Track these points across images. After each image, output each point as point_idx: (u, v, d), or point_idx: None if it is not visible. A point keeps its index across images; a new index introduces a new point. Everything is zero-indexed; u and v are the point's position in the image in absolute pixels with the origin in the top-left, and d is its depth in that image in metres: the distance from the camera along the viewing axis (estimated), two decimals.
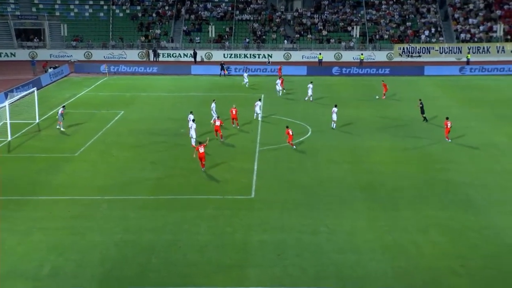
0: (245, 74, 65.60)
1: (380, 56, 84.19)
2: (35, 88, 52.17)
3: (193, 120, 42.02)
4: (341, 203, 31.93)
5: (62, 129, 45.41)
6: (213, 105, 47.75)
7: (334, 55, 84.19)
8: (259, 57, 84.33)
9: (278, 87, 60.30)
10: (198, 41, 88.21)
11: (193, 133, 41.39)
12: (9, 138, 43.12)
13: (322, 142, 42.93)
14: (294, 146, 41.25)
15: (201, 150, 36.27)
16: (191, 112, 44.49)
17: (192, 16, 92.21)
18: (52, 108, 53.26)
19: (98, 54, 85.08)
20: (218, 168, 37.49)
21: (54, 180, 35.37)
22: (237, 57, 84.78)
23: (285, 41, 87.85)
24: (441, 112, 50.96)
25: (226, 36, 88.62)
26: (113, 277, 24.27)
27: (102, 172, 36.95)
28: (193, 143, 40.51)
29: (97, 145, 42.67)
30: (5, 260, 25.31)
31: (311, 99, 56.18)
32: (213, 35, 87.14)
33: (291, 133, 41.14)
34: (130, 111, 51.82)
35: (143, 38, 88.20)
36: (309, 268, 24.98)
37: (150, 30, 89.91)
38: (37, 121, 48.26)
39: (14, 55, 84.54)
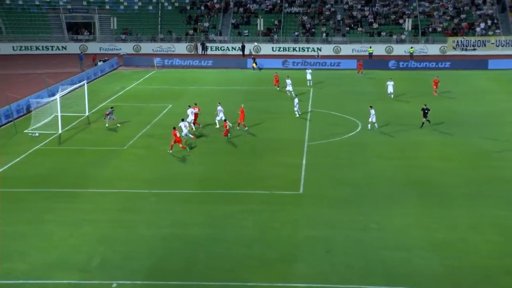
0: (308, 71, 62.37)
1: (433, 49, 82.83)
2: (85, 81, 53.23)
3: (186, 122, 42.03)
4: (391, 199, 31.66)
5: (106, 125, 45.87)
6: (220, 107, 46.42)
7: (385, 49, 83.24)
8: (308, 51, 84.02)
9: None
10: (247, 34, 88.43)
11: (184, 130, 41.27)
12: (60, 131, 44.16)
13: (371, 138, 42.60)
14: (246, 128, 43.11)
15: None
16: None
17: (241, 9, 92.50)
18: (102, 102, 54.28)
19: (147, 47, 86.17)
20: (266, 162, 37.60)
21: (102, 173, 36.10)
22: (286, 50, 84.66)
23: (335, 34, 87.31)
24: (496, 106, 49.90)
25: (274, 29, 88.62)
26: (159, 270, 24.67)
27: (150, 165, 37.51)
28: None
29: (145, 138, 43.31)
30: (56, 251, 26.00)
31: (391, 96, 54.92)
32: (262, 28, 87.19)
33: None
34: (178, 105, 52.40)
35: (191, 31, 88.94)
36: (356, 265, 24.88)
37: (199, 23, 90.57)
38: (87, 114, 49.23)
39: (65, 48, 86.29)
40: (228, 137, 41.76)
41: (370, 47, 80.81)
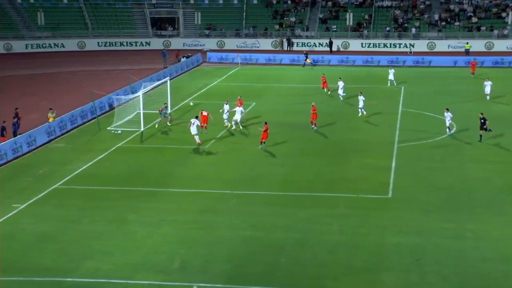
0: (391, 70, 60.68)
1: None
2: (168, 78, 54.33)
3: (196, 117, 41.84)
4: (488, 206, 30.74)
5: (156, 126, 46.33)
6: (226, 106, 46.05)
7: (485, 45, 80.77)
8: (399, 47, 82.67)
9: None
10: (335, 29, 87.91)
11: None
12: (142, 129, 45.30)
13: (467, 140, 41.46)
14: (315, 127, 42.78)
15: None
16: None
17: (329, 3, 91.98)
18: (184, 99, 55.29)
19: (231, 43, 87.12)
20: (352, 164, 37.28)
21: (183, 172, 36.78)
22: (376, 46, 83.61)
23: (429, 29, 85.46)
24: None
25: (364, 24, 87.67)
26: (240, 274, 24.89)
27: (231, 165, 37.93)
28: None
29: (226, 137, 43.80)
30: (137, 252, 26.69)
31: (487, 98, 53.09)
32: (351, 23, 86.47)
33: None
34: (261, 103, 52.69)
35: (277, 26, 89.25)
36: (451, 277, 24.25)
37: (285, 18, 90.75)
38: (169, 111, 50.20)
39: (149, 44, 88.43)
40: (262, 145, 40.34)
41: (467, 43, 78.53)
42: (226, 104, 46.16)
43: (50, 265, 25.48)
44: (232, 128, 45.04)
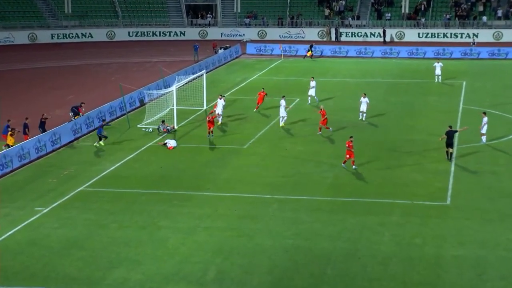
0: (438, 64, 59.29)
1: None
2: (204, 71, 54.64)
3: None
4: None
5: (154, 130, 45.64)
6: (282, 102, 45.74)
7: None
8: (461, 37, 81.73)
9: None
10: (389, 17, 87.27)
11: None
12: (175, 126, 45.62)
13: None
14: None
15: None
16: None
17: None
18: (222, 94, 55.28)
19: (273, 33, 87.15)
20: (406, 167, 37.01)
21: (220, 174, 36.96)
22: (435, 36, 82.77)
23: (495, 17, 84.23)
24: None
25: (422, 11, 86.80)
26: (282, 287, 24.88)
27: (273, 167, 37.97)
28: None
29: (268, 136, 43.87)
30: (169, 261, 26.86)
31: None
32: (407, 10, 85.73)
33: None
34: (305, 99, 52.58)
35: (324, 14, 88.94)
36: None
37: (333, 4, 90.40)
38: (205, 107, 50.55)
39: (184, 34, 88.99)
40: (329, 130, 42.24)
41: None
42: (283, 99, 45.77)
43: (76, 274, 25.82)
44: (283, 125, 45.28)
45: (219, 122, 45.87)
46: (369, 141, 42.07)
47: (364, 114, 46.35)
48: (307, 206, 32.14)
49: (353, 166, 36.78)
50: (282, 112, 45.28)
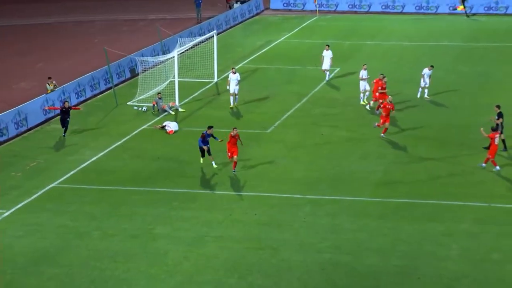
0: None
1: None
2: (215, 31, 54.44)
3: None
4: None
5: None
6: (363, 72, 45.51)
7: None
8: None
9: None
10: None
11: None
12: (177, 104, 45.50)
13: None
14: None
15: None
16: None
17: None
18: (237, 62, 55.37)
19: None
20: (481, 160, 36.70)
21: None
22: None
23: None
24: None
25: None
26: None
27: (305, 158, 37.92)
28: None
29: (298, 118, 43.77)
30: (167, 280, 26.79)
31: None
32: None
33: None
34: (349, 68, 52.40)
35: None
36: None
37: None
38: (215, 80, 50.45)
39: None
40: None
41: None
42: (364, 69, 45.36)
43: None
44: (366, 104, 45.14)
45: (235, 104, 45.57)
46: (433, 124, 41.94)
47: (426, 90, 45.91)
48: (349, 210, 32.09)
49: (381, 135, 39.19)
50: (363, 86, 45.04)
